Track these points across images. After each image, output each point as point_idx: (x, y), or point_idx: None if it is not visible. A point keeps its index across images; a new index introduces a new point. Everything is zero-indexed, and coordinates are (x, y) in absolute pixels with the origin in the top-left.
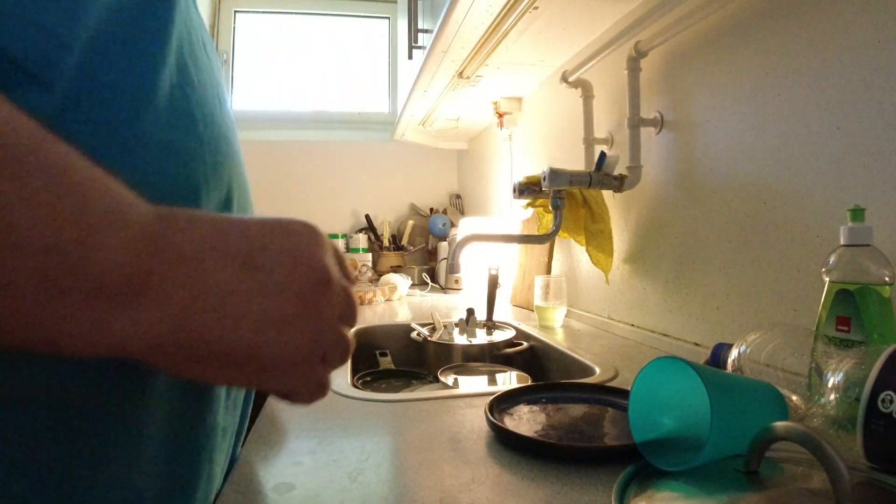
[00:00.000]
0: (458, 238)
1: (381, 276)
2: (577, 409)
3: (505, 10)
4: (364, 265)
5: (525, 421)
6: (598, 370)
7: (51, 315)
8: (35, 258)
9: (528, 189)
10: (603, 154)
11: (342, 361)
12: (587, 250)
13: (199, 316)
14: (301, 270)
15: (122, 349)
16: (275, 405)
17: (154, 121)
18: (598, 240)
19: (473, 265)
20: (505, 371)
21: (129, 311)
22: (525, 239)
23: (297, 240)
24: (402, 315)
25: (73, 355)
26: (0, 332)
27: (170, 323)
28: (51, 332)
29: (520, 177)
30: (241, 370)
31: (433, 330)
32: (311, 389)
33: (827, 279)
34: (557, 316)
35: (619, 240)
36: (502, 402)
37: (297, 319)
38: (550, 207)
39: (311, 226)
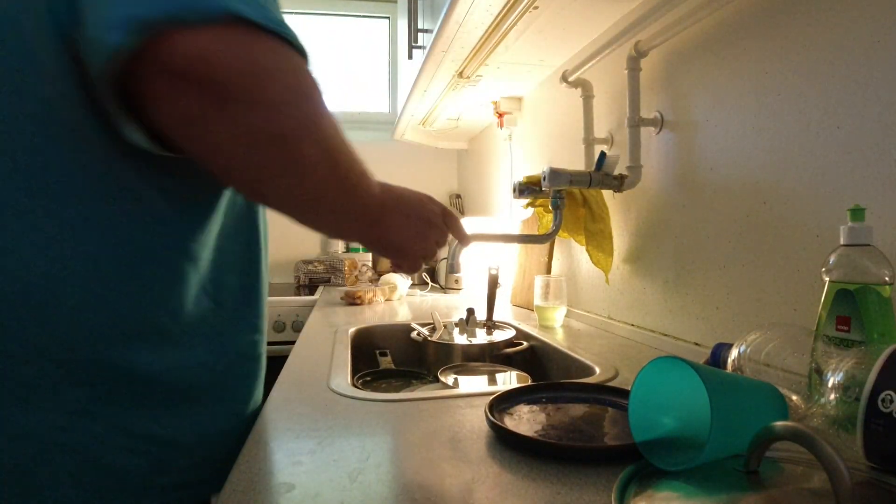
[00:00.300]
0: None
1: (381, 275)
2: (577, 409)
3: (505, 10)
4: (364, 265)
5: (525, 421)
6: (598, 370)
7: (345, 226)
8: (356, 206)
9: (528, 189)
10: (603, 154)
11: (432, 258)
12: (587, 250)
13: (390, 234)
14: (423, 221)
15: (363, 244)
16: (275, 403)
17: None
18: (598, 240)
19: (473, 265)
20: (505, 371)
21: (370, 231)
22: (525, 239)
23: (424, 205)
24: (402, 315)
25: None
26: (319, 225)
27: (379, 235)
28: (342, 233)
29: (520, 177)
30: (398, 254)
31: (433, 330)
32: (416, 268)
33: (827, 279)
34: (557, 316)
35: (619, 240)
36: (502, 402)
37: (420, 241)
38: (550, 207)
39: (429, 196)
